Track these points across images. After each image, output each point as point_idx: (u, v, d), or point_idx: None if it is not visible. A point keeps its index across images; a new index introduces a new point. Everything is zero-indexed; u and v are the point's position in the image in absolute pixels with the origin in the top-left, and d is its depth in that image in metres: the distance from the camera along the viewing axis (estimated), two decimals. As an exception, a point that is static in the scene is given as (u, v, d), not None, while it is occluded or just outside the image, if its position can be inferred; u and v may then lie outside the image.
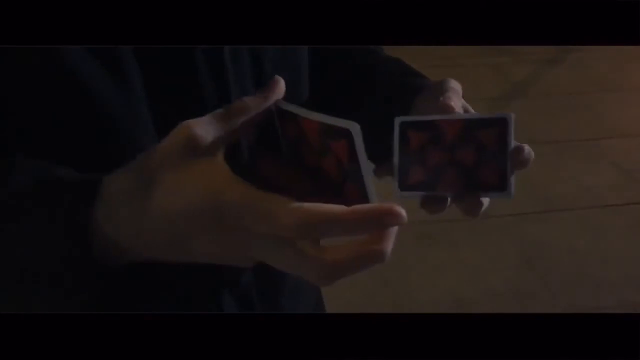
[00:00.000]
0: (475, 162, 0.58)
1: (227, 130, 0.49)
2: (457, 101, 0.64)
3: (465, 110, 0.64)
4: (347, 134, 0.47)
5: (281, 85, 0.52)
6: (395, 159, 0.60)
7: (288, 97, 0.52)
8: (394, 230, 0.45)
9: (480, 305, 2.38)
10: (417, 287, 2.50)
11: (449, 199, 0.60)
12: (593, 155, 3.36)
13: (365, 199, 0.48)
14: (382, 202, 0.44)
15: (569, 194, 3.06)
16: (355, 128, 0.47)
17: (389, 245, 0.45)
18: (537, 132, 3.51)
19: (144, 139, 0.57)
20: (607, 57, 4.32)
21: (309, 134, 0.50)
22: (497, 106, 3.74)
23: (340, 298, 2.07)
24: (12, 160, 0.53)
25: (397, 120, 0.60)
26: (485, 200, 0.59)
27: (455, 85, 0.67)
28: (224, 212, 0.45)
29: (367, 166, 0.48)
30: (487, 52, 4.32)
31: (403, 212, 0.44)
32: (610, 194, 3.05)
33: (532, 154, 0.59)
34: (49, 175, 0.51)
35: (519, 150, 0.58)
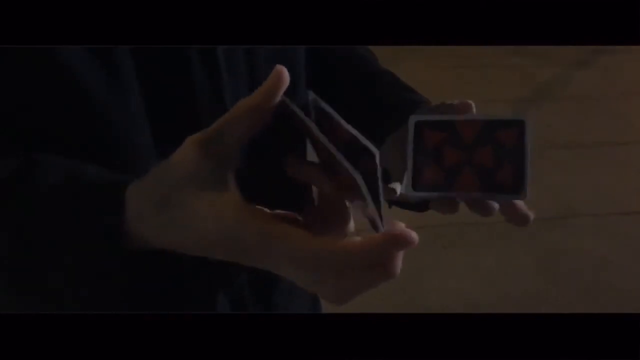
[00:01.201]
0: (494, 162, 0.58)
1: (237, 136, 0.47)
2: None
3: None
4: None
5: (285, 76, 0.47)
6: (409, 158, 0.59)
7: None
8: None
9: (494, 310, 2.32)
10: (431, 290, 2.46)
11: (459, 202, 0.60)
12: (617, 160, 3.29)
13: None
14: (392, 229, 0.45)
15: (590, 199, 3.01)
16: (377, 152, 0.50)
17: (399, 263, 0.46)
18: (560, 136, 3.46)
19: (138, 137, 0.57)
20: (634, 60, 4.25)
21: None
22: (521, 108, 3.68)
23: (353, 300, 2.05)
24: (35, 159, 0.53)
25: (412, 119, 0.59)
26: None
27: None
28: (241, 247, 0.46)
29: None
30: (512, 53, 4.26)
31: (414, 235, 0.44)
32: (634, 201, 2.98)
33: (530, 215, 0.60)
34: (79, 175, 0.52)
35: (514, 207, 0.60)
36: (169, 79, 0.59)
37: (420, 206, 0.65)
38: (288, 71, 0.67)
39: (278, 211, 0.49)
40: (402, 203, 0.65)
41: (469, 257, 2.67)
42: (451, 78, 3.90)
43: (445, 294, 2.44)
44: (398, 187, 0.59)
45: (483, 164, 0.58)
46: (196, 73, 0.59)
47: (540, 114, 3.65)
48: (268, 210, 0.47)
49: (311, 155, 0.54)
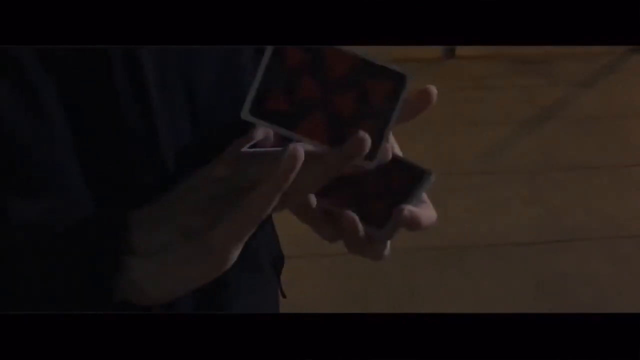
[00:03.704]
0: (351, 114, 0.50)
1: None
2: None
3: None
4: (401, 79, 0.50)
5: (300, 155, 0.48)
6: (259, 73, 0.50)
7: (233, 116, 0.52)
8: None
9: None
10: (427, 315, 2.44)
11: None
12: (620, 182, 3.26)
13: (379, 140, 0.50)
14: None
15: (592, 222, 2.98)
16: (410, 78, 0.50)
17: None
18: (564, 157, 3.46)
19: (64, 165, 0.56)
20: (637, 81, 4.25)
21: (328, 67, 0.50)
22: (524, 130, 3.67)
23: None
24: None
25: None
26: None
27: None
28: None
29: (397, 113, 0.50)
30: (517, 73, 4.28)
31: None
32: (636, 224, 2.95)
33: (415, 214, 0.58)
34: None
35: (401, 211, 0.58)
36: (91, 98, 0.57)
37: None
38: (233, 87, 0.67)
39: None
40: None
41: (467, 281, 2.63)
42: (454, 99, 3.90)
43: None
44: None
45: (338, 112, 0.50)
46: (124, 101, 0.58)
47: (542, 136, 3.64)
48: None
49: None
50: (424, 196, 0.61)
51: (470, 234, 2.86)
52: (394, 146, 0.64)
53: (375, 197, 0.57)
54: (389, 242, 0.60)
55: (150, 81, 0.58)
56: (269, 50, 0.49)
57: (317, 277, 2.48)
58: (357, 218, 0.56)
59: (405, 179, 0.58)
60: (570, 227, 2.94)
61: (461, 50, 4.41)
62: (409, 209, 0.57)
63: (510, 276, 2.66)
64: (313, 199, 0.57)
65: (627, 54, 4.57)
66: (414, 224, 0.57)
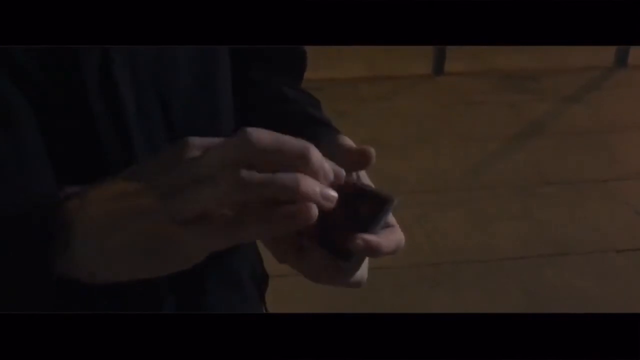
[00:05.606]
0: (338, 219, 0.54)
1: None
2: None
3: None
4: (387, 200, 0.56)
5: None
6: None
7: (209, 132, 0.52)
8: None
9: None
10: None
11: None
12: (608, 197, 3.28)
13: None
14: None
15: (580, 236, 2.99)
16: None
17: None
18: (551, 172, 3.47)
19: (39, 184, 0.55)
20: (622, 96, 4.29)
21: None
22: (513, 145, 3.71)
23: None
24: None
25: None
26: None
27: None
28: None
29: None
30: (505, 89, 4.32)
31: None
32: (624, 238, 2.97)
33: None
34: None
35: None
36: (70, 126, 0.57)
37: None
38: (209, 104, 0.67)
39: None
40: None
41: (455, 298, 2.62)
42: (443, 115, 3.92)
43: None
44: None
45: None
46: (99, 118, 0.58)
47: (530, 151, 3.66)
48: None
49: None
50: (392, 220, 0.60)
51: (459, 250, 2.86)
52: (360, 175, 0.64)
53: (342, 229, 0.55)
54: (365, 267, 0.59)
55: (126, 97, 0.58)
56: None
57: (305, 296, 2.47)
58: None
59: (370, 207, 0.56)
60: (559, 241, 2.95)
61: (450, 66, 4.44)
62: (362, 237, 0.54)
63: (501, 291, 2.66)
64: None
65: (613, 68, 4.61)
66: (371, 252, 0.55)
